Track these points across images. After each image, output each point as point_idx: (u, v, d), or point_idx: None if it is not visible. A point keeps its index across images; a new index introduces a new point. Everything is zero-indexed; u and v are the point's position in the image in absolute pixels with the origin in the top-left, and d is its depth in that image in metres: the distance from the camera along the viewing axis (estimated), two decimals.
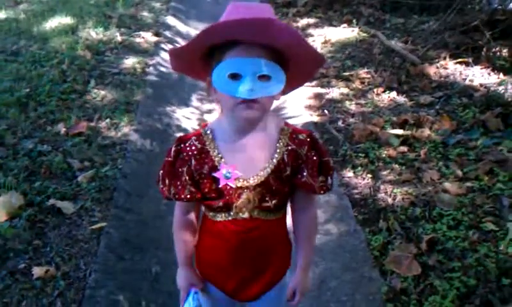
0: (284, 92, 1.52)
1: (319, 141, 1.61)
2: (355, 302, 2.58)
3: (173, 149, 1.55)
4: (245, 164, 1.51)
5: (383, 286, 2.59)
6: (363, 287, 2.65)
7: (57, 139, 3.86)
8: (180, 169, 1.53)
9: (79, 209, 3.10)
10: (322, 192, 1.59)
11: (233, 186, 1.50)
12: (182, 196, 1.55)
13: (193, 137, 1.55)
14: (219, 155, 1.51)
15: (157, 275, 2.81)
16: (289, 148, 1.53)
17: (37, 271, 2.57)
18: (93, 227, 2.96)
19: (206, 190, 1.54)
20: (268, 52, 1.37)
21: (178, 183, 1.54)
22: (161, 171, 1.57)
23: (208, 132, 1.54)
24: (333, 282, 2.76)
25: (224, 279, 1.70)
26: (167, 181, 1.56)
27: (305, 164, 1.55)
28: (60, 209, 3.05)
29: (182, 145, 1.54)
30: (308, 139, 1.56)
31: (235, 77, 1.37)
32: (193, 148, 1.52)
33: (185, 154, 1.53)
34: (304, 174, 1.54)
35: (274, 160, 1.52)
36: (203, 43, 1.40)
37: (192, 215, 1.68)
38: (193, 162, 1.52)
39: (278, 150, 1.53)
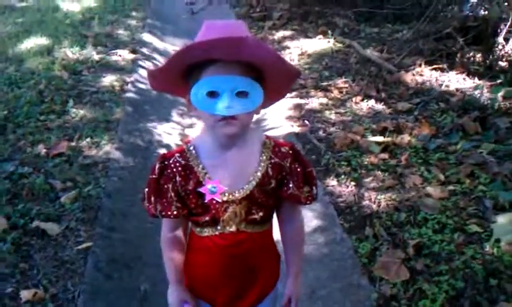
0: (264, 106, 1.54)
1: (301, 152, 1.64)
2: None
3: (157, 166, 1.54)
4: (230, 179, 1.52)
5: (372, 293, 2.60)
6: (353, 295, 2.66)
7: (38, 160, 3.81)
8: (165, 186, 1.53)
9: (64, 230, 3.06)
10: (308, 202, 1.61)
11: (219, 200, 1.51)
12: (169, 213, 1.55)
13: (177, 154, 1.55)
14: (204, 171, 1.52)
15: (146, 292, 2.78)
16: (272, 161, 1.55)
17: (25, 294, 2.53)
18: (79, 247, 2.92)
19: (192, 206, 1.55)
20: (244, 69, 1.39)
21: (164, 200, 1.54)
22: (146, 189, 1.57)
23: (192, 148, 1.55)
24: (322, 291, 2.77)
25: (214, 295, 1.69)
26: (152, 199, 1.55)
27: (290, 176, 1.57)
28: (45, 231, 3.01)
29: (166, 162, 1.54)
30: (291, 151, 1.58)
31: (213, 94, 1.39)
32: (177, 164, 1.53)
33: (169, 171, 1.53)
34: (290, 186, 1.56)
35: (259, 174, 1.53)
36: (179, 64, 1.42)
37: (180, 232, 1.67)
38: (178, 178, 1.52)
39: (261, 164, 1.54)
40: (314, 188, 1.62)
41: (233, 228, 1.56)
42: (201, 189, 1.51)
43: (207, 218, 1.55)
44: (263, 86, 1.44)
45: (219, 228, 1.56)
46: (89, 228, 3.10)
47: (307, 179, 1.60)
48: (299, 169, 1.57)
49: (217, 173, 1.52)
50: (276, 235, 1.73)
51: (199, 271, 1.68)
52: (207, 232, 1.59)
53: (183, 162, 1.53)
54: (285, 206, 1.66)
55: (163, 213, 1.55)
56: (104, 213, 3.27)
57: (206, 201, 1.51)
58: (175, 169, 1.52)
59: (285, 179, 1.57)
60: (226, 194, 1.51)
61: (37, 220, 3.07)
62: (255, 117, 1.54)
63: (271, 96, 1.56)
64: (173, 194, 1.53)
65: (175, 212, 1.54)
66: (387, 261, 2.76)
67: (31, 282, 2.65)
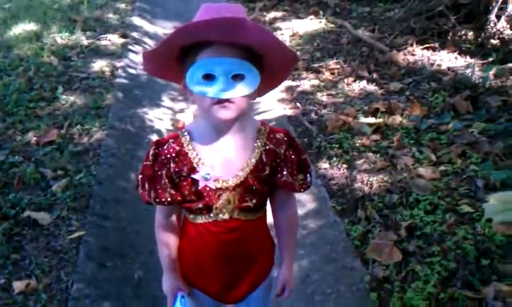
0: (260, 93, 1.53)
1: (296, 139, 1.63)
2: (339, 293, 2.60)
3: (150, 152, 1.54)
4: (223, 165, 1.52)
5: (365, 276, 2.61)
6: (346, 278, 2.67)
7: (28, 148, 3.79)
8: (159, 172, 1.53)
9: (56, 219, 3.05)
10: (302, 190, 1.62)
11: (213, 187, 1.51)
12: (163, 200, 1.54)
13: (170, 140, 1.54)
14: (198, 157, 1.51)
15: (140, 280, 2.79)
16: (267, 147, 1.54)
17: (18, 285, 2.52)
18: (72, 236, 2.91)
19: (186, 192, 1.54)
20: (240, 52, 1.38)
21: (158, 186, 1.53)
22: (140, 176, 1.56)
23: (186, 134, 1.54)
24: (315, 275, 2.78)
25: (209, 282, 1.70)
26: (147, 185, 1.54)
27: (284, 163, 1.56)
28: (36, 220, 3.00)
29: (160, 148, 1.53)
30: (286, 138, 1.58)
31: (208, 77, 1.38)
32: (171, 150, 1.52)
33: (163, 157, 1.52)
34: (284, 173, 1.56)
35: (253, 160, 1.52)
36: (174, 45, 1.40)
37: (174, 218, 1.67)
38: (172, 164, 1.51)
39: (256, 150, 1.53)
40: (308, 176, 1.62)
41: (226, 216, 1.55)
42: (194, 176, 1.50)
43: (200, 205, 1.54)
44: (260, 72, 1.43)
45: (212, 215, 1.56)
46: (81, 217, 3.09)
47: (301, 166, 1.60)
48: (293, 157, 1.57)
49: (211, 159, 1.51)
50: (270, 221, 1.73)
51: (193, 258, 1.68)
52: (201, 219, 1.58)
53: (177, 147, 1.52)
54: (279, 193, 1.66)
55: (157, 199, 1.54)
56: (96, 201, 3.25)
57: (199, 187, 1.51)
58: (168, 155, 1.51)
59: (279, 166, 1.56)
60: (220, 181, 1.51)
61: (28, 210, 3.06)
62: None
63: (268, 83, 1.55)
64: (166, 181, 1.52)
65: (168, 199, 1.54)
66: (379, 244, 2.77)
67: (24, 273, 2.64)
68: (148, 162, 1.54)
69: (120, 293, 2.68)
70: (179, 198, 1.55)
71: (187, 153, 1.51)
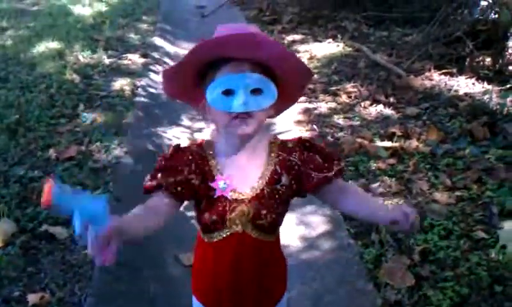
0: (278, 110, 1.59)
1: (312, 140, 1.63)
2: None
3: (171, 149, 1.56)
4: (240, 177, 1.54)
5: (377, 299, 2.60)
6: (358, 300, 2.67)
7: (48, 164, 3.85)
8: (179, 168, 1.52)
9: (72, 234, 3.08)
10: (337, 176, 1.58)
11: (229, 198, 1.52)
12: (166, 191, 1.51)
13: (194, 145, 1.58)
14: (217, 166, 1.54)
15: (155, 295, 2.80)
16: (280, 157, 1.57)
17: (32, 298, 2.56)
18: (87, 251, 2.94)
19: (200, 198, 1.55)
20: (257, 67, 1.43)
21: (171, 178, 1.51)
22: (154, 168, 1.55)
23: (210, 143, 1.59)
24: (328, 297, 2.77)
25: (221, 303, 1.68)
26: (158, 175, 1.51)
27: (305, 166, 1.56)
28: (53, 235, 3.04)
29: (181, 149, 1.56)
30: (298, 145, 1.60)
31: (228, 93, 1.42)
32: (194, 153, 1.54)
33: (185, 158, 1.53)
34: (312, 173, 1.56)
35: (267, 172, 1.55)
36: (192, 62, 1.45)
37: (162, 209, 1.56)
38: (193, 166, 1.53)
39: (270, 161, 1.56)
40: (339, 161, 1.60)
41: (239, 228, 1.54)
42: (212, 184, 1.52)
43: (214, 217, 1.54)
44: (276, 86, 1.47)
45: (226, 229, 1.55)
46: None
47: (328, 158, 1.58)
48: (311, 154, 1.58)
49: (228, 170, 1.54)
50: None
51: (210, 278, 1.66)
52: (216, 237, 1.57)
53: (199, 151, 1.55)
54: (324, 193, 1.61)
55: (156, 187, 1.51)
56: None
57: (215, 196, 1.52)
58: (191, 157, 1.53)
59: (300, 173, 1.57)
60: (237, 192, 1.53)
61: (46, 224, 3.10)
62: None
63: (286, 98, 1.58)
64: (183, 178, 1.51)
65: (173, 191, 1.51)
66: (392, 267, 2.76)
67: (39, 286, 2.68)
68: (165, 156, 1.54)
69: None
70: (177, 197, 1.52)
71: (208, 161, 1.54)
